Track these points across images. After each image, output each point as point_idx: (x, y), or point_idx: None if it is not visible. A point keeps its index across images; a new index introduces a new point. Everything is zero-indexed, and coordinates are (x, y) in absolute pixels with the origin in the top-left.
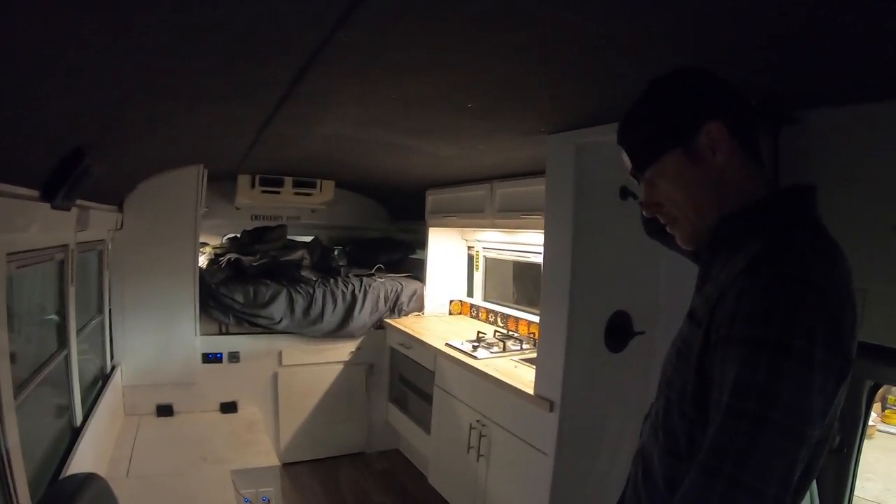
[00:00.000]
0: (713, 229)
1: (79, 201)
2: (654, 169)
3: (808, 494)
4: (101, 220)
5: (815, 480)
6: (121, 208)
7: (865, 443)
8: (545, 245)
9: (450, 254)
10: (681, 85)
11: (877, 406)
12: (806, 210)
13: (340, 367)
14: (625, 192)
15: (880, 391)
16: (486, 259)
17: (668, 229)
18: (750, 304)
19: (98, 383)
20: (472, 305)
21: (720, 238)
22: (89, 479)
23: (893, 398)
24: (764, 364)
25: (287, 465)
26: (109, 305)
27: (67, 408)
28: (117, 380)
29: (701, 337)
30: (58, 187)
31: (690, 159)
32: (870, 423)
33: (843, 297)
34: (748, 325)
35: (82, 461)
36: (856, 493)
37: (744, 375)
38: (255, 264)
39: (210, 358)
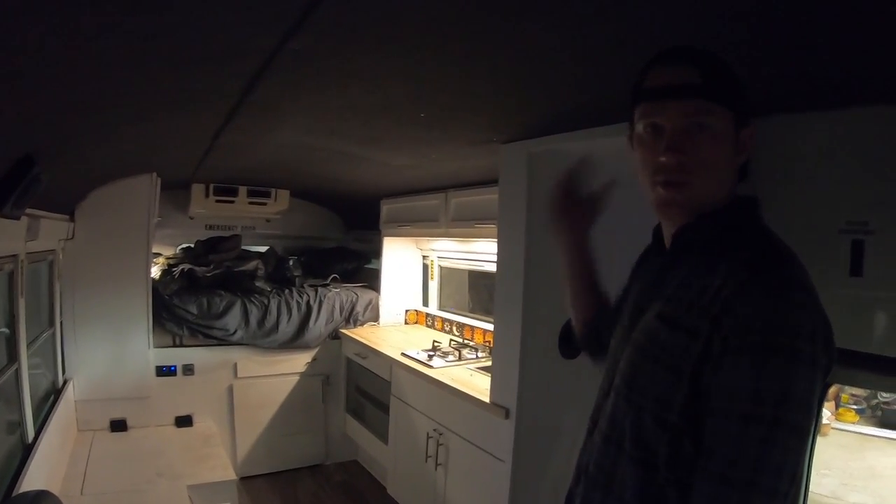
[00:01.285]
0: (682, 229)
1: (29, 210)
2: (713, 116)
3: None
4: (51, 230)
5: None
6: (72, 217)
7: (821, 440)
8: (498, 253)
9: (405, 263)
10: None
11: (831, 405)
12: (757, 216)
13: (296, 378)
14: None
15: (834, 390)
16: (442, 268)
17: (666, 190)
18: (763, 312)
19: (50, 398)
20: (427, 315)
21: (689, 238)
22: (41, 496)
23: (847, 397)
24: (778, 369)
25: (245, 479)
26: (61, 318)
27: (18, 424)
28: (70, 394)
29: (700, 347)
30: (7, 195)
31: (733, 136)
32: (825, 421)
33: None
34: (763, 333)
35: (35, 479)
36: (813, 489)
37: (760, 382)
38: (208, 275)
39: (164, 371)
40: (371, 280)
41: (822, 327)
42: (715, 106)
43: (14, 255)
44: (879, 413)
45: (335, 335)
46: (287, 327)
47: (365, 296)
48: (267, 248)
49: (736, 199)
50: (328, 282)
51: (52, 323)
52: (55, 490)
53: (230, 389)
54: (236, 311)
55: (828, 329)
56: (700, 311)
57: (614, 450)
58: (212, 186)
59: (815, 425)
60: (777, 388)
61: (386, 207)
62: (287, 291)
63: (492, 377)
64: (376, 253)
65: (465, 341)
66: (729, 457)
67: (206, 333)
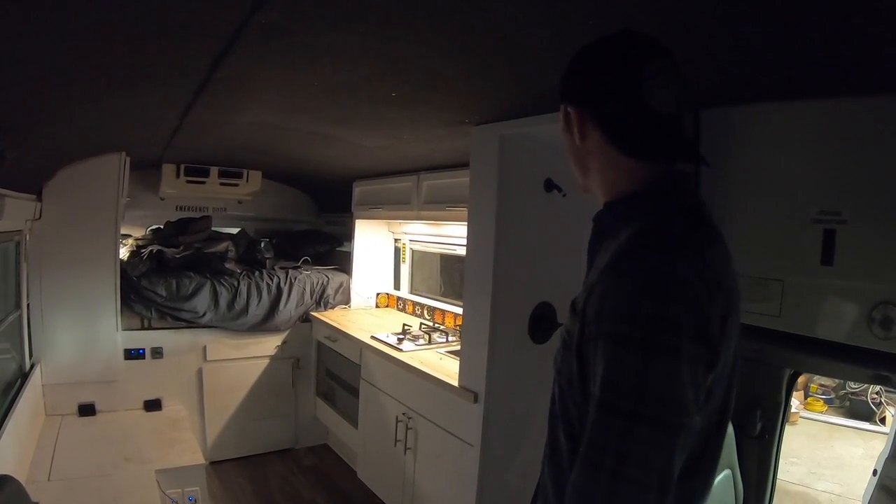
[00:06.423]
0: (595, 217)
1: None
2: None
3: (730, 479)
4: (17, 209)
5: (737, 465)
6: (39, 197)
7: (790, 429)
8: (468, 236)
9: (377, 246)
10: (584, 55)
11: (800, 395)
12: (684, 197)
13: (266, 361)
14: (549, 185)
15: (803, 380)
16: (413, 252)
17: None
18: (615, 300)
19: (17, 382)
20: (398, 298)
21: (600, 227)
22: (1, 481)
23: (815, 387)
24: (631, 360)
25: (214, 464)
26: (28, 300)
27: None
28: (37, 378)
29: (578, 329)
30: None
31: (566, 125)
32: (793, 410)
33: (711, 287)
34: (614, 322)
35: (1, 464)
36: (782, 476)
37: (613, 372)
38: (178, 256)
39: (132, 354)
40: (342, 263)
41: (693, 318)
42: (563, 107)
43: None
44: (847, 403)
45: (306, 318)
46: (257, 310)
47: (336, 279)
48: (238, 229)
49: (657, 179)
50: (299, 264)
51: (18, 305)
52: (22, 476)
53: (199, 373)
54: (205, 293)
55: (703, 320)
56: (583, 294)
57: (556, 426)
58: (183, 167)
59: (782, 418)
60: (630, 379)
61: (358, 189)
62: (257, 273)
63: (460, 361)
64: (348, 236)
65: (436, 325)
66: (594, 441)
67: (174, 316)
